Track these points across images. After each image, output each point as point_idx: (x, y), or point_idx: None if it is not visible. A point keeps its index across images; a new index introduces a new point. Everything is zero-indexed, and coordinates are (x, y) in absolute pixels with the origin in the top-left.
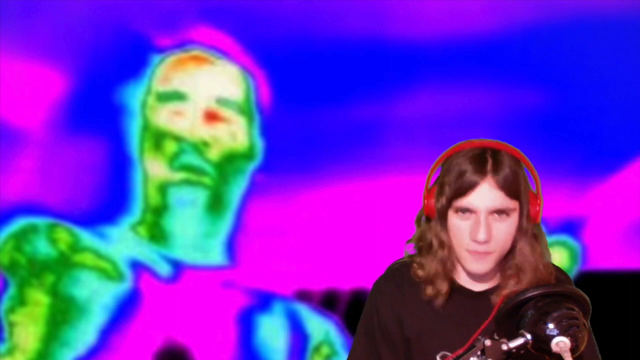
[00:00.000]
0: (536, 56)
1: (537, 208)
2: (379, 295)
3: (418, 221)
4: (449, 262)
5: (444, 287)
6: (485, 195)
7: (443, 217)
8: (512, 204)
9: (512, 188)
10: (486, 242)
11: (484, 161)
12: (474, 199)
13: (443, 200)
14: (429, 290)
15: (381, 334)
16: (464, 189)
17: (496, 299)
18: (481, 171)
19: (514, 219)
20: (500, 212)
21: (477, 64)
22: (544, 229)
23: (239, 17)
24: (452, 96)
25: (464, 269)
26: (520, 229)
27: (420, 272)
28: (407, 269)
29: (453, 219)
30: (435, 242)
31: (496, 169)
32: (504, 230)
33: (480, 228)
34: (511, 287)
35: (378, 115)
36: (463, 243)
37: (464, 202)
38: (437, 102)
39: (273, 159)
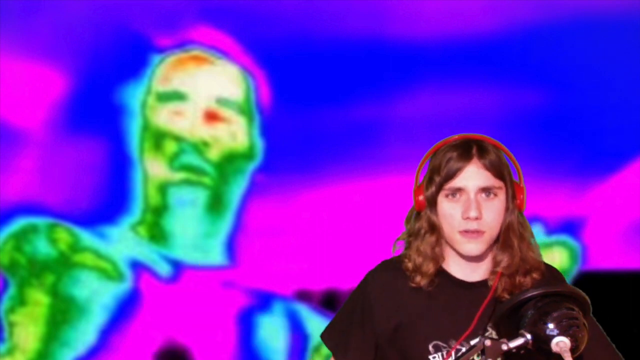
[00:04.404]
0: (536, 56)
1: (522, 196)
2: (368, 282)
3: (408, 221)
4: (438, 248)
5: (430, 268)
6: (473, 175)
7: (433, 204)
8: (498, 183)
9: (497, 169)
10: (477, 219)
11: (469, 148)
12: (463, 180)
13: (433, 188)
14: (418, 279)
15: (360, 315)
16: (453, 172)
17: (489, 290)
18: (467, 155)
19: (501, 199)
20: (488, 191)
21: (477, 64)
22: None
23: (239, 17)
24: (452, 96)
25: (458, 252)
26: (507, 211)
27: (409, 265)
28: (400, 263)
29: (443, 203)
30: (424, 227)
31: (481, 154)
32: (493, 209)
33: (471, 205)
34: (504, 279)
35: (378, 115)
36: (455, 225)
37: (453, 183)
38: (437, 102)
39: (273, 159)
